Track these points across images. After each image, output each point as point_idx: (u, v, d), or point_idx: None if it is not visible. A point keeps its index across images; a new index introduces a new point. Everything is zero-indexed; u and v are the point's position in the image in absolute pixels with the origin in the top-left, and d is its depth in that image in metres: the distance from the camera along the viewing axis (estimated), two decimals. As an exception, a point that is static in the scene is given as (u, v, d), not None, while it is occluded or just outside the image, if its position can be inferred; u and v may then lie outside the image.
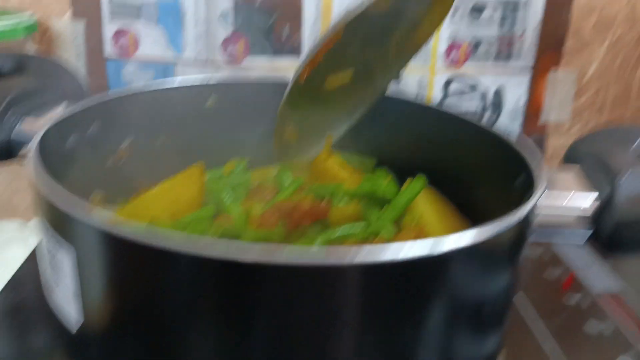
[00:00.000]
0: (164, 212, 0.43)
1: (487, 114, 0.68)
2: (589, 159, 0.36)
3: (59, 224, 0.28)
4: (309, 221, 0.45)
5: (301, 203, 0.46)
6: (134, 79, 0.64)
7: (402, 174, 0.50)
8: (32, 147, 0.32)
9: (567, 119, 0.70)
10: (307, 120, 0.40)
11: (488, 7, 0.63)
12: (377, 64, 0.40)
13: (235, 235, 0.42)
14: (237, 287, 0.25)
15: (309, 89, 0.38)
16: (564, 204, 0.34)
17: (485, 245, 0.28)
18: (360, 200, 0.45)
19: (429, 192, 0.46)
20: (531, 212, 0.30)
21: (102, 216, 0.25)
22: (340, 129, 0.44)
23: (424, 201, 0.44)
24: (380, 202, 0.46)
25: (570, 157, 0.38)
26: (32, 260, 0.53)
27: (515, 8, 0.64)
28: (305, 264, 0.25)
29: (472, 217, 0.45)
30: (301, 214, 0.45)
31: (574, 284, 0.53)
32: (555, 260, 0.57)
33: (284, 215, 0.46)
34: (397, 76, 0.42)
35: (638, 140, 0.38)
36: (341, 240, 0.43)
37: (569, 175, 0.35)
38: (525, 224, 0.30)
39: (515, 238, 0.30)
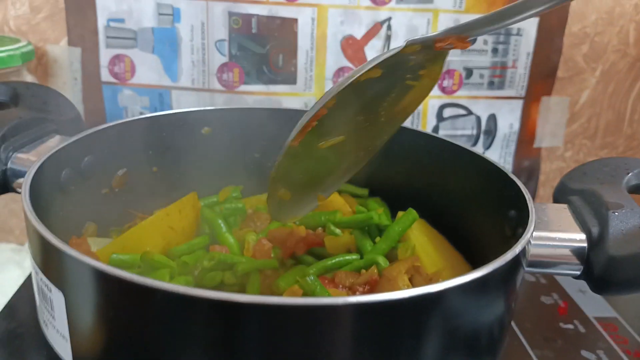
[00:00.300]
0: (158, 243, 0.43)
1: (481, 139, 0.68)
2: (579, 194, 0.37)
3: (50, 268, 0.28)
4: (303, 249, 0.45)
5: (296, 230, 0.46)
6: (130, 103, 0.64)
7: (395, 203, 0.51)
8: (24, 186, 0.32)
9: (560, 145, 0.71)
10: (300, 180, 0.42)
11: (480, 36, 0.64)
12: (369, 129, 0.41)
13: (229, 265, 0.42)
14: (228, 327, 0.25)
15: (301, 152, 0.39)
16: (557, 238, 0.34)
17: (480, 283, 0.28)
18: (353, 230, 0.46)
19: (421, 223, 0.46)
20: (523, 248, 0.30)
21: (91, 260, 0.25)
22: (332, 188, 0.45)
23: (417, 232, 0.44)
24: (373, 231, 0.46)
25: (562, 191, 0.38)
26: (27, 285, 0.53)
27: (507, 37, 0.64)
28: (296, 303, 0.25)
29: (463, 244, 0.46)
30: (295, 241, 0.45)
31: (570, 309, 0.53)
32: (551, 285, 0.57)
33: (278, 243, 0.46)
34: (387, 139, 0.43)
35: (628, 175, 0.38)
36: (335, 269, 0.43)
37: (560, 214, 0.35)
38: (517, 261, 0.30)
39: (509, 274, 0.30)
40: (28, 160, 0.39)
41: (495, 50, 0.65)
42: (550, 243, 0.34)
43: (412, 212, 0.43)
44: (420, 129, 0.66)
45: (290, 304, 0.25)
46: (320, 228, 0.47)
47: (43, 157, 0.37)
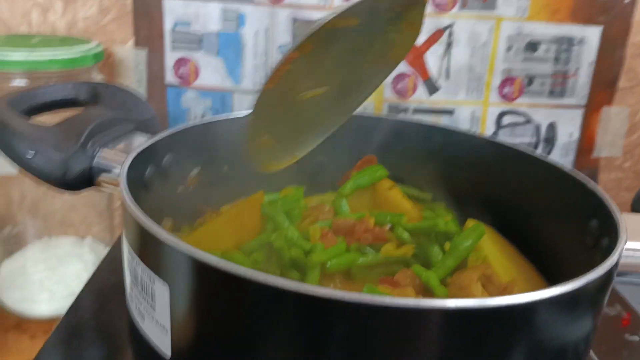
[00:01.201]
0: (230, 240, 0.44)
1: (541, 147, 0.68)
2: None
3: (154, 259, 0.29)
4: (368, 240, 0.45)
5: (365, 220, 0.46)
6: (193, 105, 0.66)
7: (461, 209, 0.51)
8: (121, 180, 0.33)
9: (619, 155, 0.70)
10: (282, 128, 0.42)
11: (543, 44, 0.64)
12: (352, 82, 0.41)
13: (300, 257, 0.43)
14: (315, 322, 0.26)
15: (281, 99, 0.39)
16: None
17: (572, 296, 0.28)
18: (420, 236, 0.46)
19: (491, 231, 0.46)
20: (617, 262, 0.30)
21: (198, 252, 0.26)
22: (314, 142, 0.45)
23: (487, 241, 0.44)
24: (440, 238, 0.46)
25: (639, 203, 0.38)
26: (92, 282, 0.54)
27: (569, 46, 0.64)
28: (387, 304, 0.25)
29: (534, 254, 0.45)
30: (363, 230, 0.45)
31: (634, 321, 0.52)
32: (613, 297, 0.56)
33: (343, 232, 0.46)
34: (370, 94, 0.43)
35: None
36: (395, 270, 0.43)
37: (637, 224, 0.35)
38: (610, 274, 0.30)
39: (600, 287, 0.30)
40: (113, 158, 0.40)
41: (557, 59, 0.64)
42: (636, 254, 0.33)
43: (480, 227, 0.43)
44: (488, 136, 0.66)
45: (379, 304, 0.25)
46: (387, 226, 0.47)
47: (133, 153, 0.38)
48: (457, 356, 0.27)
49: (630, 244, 0.34)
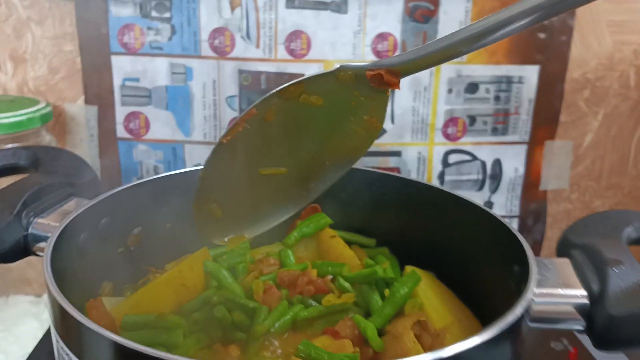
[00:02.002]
0: (171, 300, 0.45)
1: (487, 184, 0.69)
2: (580, 248, 0.38)
3: (75, 343, 0.29)
4: (311, 292, 0.46)
5: (308, 272, 0.47)
6: (145, 157, 0.67)
7: (403, 253, 0.52)
8: (45, 257, 0.34)
9: (566, 187, 0.72)
10: (232, 200, 0.41)
11: (482, 84, 0.66)
12: (310, 170, 0.41)
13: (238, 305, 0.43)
14: None
15: (236, 164, 0.39)
16: (560, 295, 0.35)
17: (485, 346, 0.29)
18: (360, 285, 0.47)
19: (428, 277, 0.47)
20: (526, 308, 0.31)
21: (112, 335, 0.27)
22: (265, 225, 0.44)
23: (424, 287, 0.45)
24: (380, 284, 0.47)
25: (564, 245, 0.39)
26: (45, 340, 0.54)
27: (509, 85, 0.66)
28: None
29: (471, 297, 0.47)
30: (306, 283, 0.46)
31: (580, 355, 0.53)
32: (560, 331, 0.57)
33: (287, 284, 0.47)
34: (326, 187, 0.43)
35: (628, 229, 0.39)
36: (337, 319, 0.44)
37: (562, 269, 0.36)
38: (520, 321, 0.31)
39: (513, 334, 0.31)
40: (48, 225, 0.41)
41: (497, 98, 0.67)
42: (553, 300, 0.34)
43: (415, 274, 0.44)
44: (425, 178, 0.68)
45: None
46: (329, 277, 0.48)
47: (63, 223, 0.38)
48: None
49: (548, 290, 0.35)
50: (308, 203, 0.43)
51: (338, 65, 0.35)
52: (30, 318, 0.64)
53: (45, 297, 0.68)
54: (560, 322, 0.35)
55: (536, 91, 0.67)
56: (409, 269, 0.47)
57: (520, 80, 0.66)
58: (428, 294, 0.45)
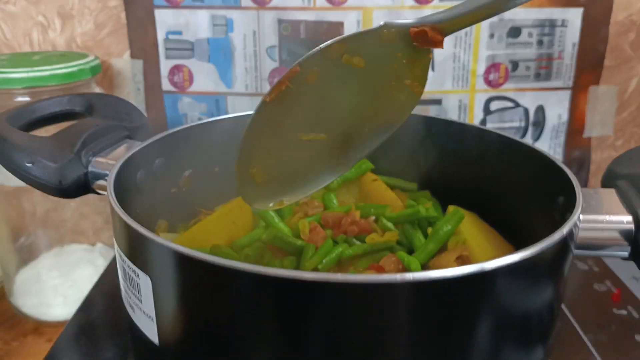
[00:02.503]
0: (222, 236, 0.47)
1: (530, 131, 0.69)
2: (626, 178, 0.38)
3: (137, 255, 0.31)
4: (354, 232, 0.47)
5: (352, 212, 0.48)
6: (190, 110, 0.68)
7: (445, 196, 0.53)
8: (108, 185, 0.36)
9: (610, 134, 0.71)
10: (273, 165, 0.41)
11: (525, 28, 0.65)
12: (350, 137, 0.41)
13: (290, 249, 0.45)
14: (296, 304, 0.28)
15: (278, 128, 0.39)
16: (605, 221, 0.35)
17: (529, 263, 0.30)
18: (403, 224, 0.48)
19: (471, 216, 0.47)
20: (571, 230, 0.32)
21: (175, 245, 0.28)
22: (304, 192, 0.43)
23: (467, 225, 0.45)
24: (423, 224, 0.48)
25: (609, 177, 0.39)
26: (101, 283, 0.58)
27: (552, 29, 0.65)
28: (359, 281, 0.27)
29: (514, 236, 0.47)
30: (350, 223, 0.47)
31: (624, 296, 0.54)
32: (604, 272, 0.57)
33: (331, 225, 0.48)
34: (366, 154, 0.42)
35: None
36: (381, 256, 0.45)
37: (607, 198, 0.36)
38: (565, 242, 0.31)
39: (558, 255, 0.32)
40: (106, 164, 0.43)
41: (540, 42, 0.66)
42: (599, 226, 0.35)
43: (459, 212, 0.45)
44: (467, 122, 0.67)
45: (350, 281, 0.27)
46: (372, 218, 0.49)
47: (121, 160, 0.40)
48: (426, 328, 0.29)
49: (594, 217, 0.36)
50: (346, 170, 0.43)
51: (382, 23, 0.35)
52: (85, 264, 0.68)
53: (99, 245, 0.72)
54: (606, 248, 0.35)
55: (580, 35, 0.66)
56: (451, 208, 0.47)
57: (564, 24, 0.65)
58: (471, 231, 0.45)
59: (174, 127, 0.69)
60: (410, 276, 0.27)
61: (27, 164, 0.39)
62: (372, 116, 0.41)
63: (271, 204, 0.43)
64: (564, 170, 0.39)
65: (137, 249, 0.31)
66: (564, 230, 0.31)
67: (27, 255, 0.68)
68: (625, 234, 0.35)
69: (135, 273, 0.31)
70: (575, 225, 0.32)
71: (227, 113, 0.68)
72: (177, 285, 0.29)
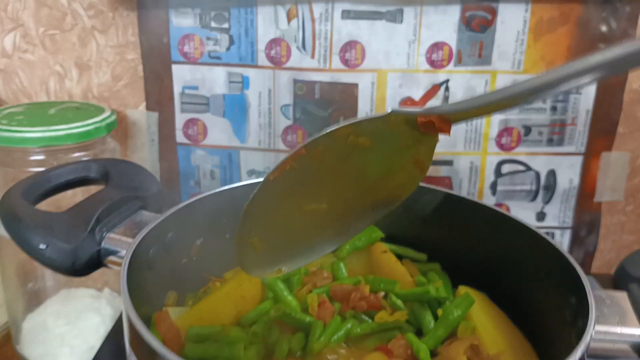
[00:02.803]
0: (231, 311, 0.47)
1: (541, 194, 0.69)
2: (637, 283, 0.37)
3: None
4: (363, 308, 0.48)
5: (361, 287, 0.48)
6: (202, 162, 0.69)
7: (455, 271, 0.52)
8: (122, 280, 0.36)
9: (621, 199, 0.70)
10: (273, 235, 0.41)
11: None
12: (352, 209, 0.41)
13: (297, 327, 0.45)
14: None
15: (280, 200, 0.39)
16: (616, 333, 0.35)
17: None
18: (412, 303, 0.48)
19: (482, 299, 0.47)
20: (585, 349, 0.31)
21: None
22: (301, 261, 0.44)
23: (478, 310, 0.45)
24: (433, 303, 0.48)
25: (622, 277, 0.39)
26: (109, 339, 0.58)
27: (566, 95, 0.65)
28: None
29: (522, 319, 0.47)
30: (359, 298, 0.47)
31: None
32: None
33: (340, 298, 0.48)
34: (366, 226, 0.43)
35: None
36: (389, 336, 0.45)
37: (619, 304, 0.36)
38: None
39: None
40: (119, 241, 0.43)
41: (554, 109, 0.66)
42: (611, 337, 0.35)
43: (469, 297, 0.45)
44: (477, 188, 0.68)
45: None
46: (381, 293, 0.49)
47: (136, 240, 0.40)
48: None
49: (605, 328, 0.36)
50: (347, 240, 0.43)
51: (389, 110, 0.36)
52: (92, 313, 0.68)
53: (106, 291, 0.72)
54: (621, 355, 0.35)
55: (594, 102, 0.66)
56: (462, 289, 0.47)
57: (578, 91, 0.65)
58: (481, 317, 0.45)
59: (186, 178, 0.70)
60: None
61: (42, 247, 0.39)
62: (375, 191, 0.41)
63: (269, 272, 0.43)
64: (577, 272, 0.39)
65: (147, 358, 0.31)
66: (577, 354, 0.31)
67: (34, 299, 0.68)
68: (636, 347, 0.34)
69: (145, 378, 0.32)
70: (589, 343, 0.32)
71: (239, 166, 0.69)
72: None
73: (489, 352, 0.42)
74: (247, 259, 0.42)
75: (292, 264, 0.44)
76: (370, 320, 0.47)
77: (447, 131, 0.34)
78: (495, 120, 0.66)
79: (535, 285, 0.45)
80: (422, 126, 0.35)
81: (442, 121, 0.34)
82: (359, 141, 0.37)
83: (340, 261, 0.53)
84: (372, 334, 0.46)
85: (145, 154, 0.69)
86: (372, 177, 0.40)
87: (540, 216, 0.69)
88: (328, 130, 0.36)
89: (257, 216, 0.40)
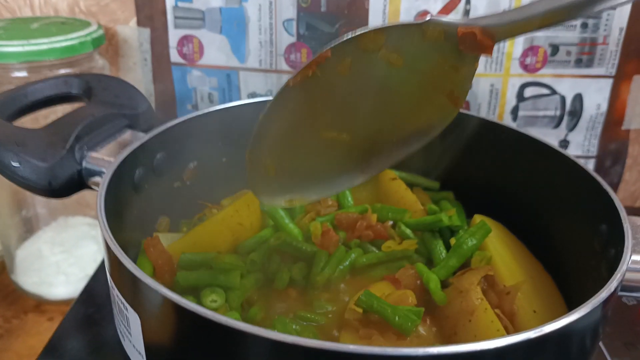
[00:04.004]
0: (227, 239, 0.43)
1: (565, 121, 0.64)
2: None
3: (127, 291, 0.28)
4: (369, 237, 0.44)
5: (367, 216, 0.45)
6: (199, 84, 0.64)
7: (470, 199, 0.48)
8: (99, 198, 0.32)
9: (652, 127, 0.65)
10: (288, 160, 0.38)
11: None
12: (376, 142, 0.37)
13: (297, 257, 0.42)
14: None
15: (298, 120, 0.36)
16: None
17: (571, 325, 0.26)
18: (423, 232, 0.44)
19: (499, 229, 0.43)
20: (619, 283, 0.28)
21: (168, 292, 0.25)
22: (317, 194, 0.40)
23: (495, 240, 0.42)
24: (445, 232, 0.44)
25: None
26: (104, 268, 0.55)
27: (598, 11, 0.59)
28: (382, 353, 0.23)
29: (542, 248, 0.43)
30: (365, 227, 0.44)
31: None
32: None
33: (345, 227, 0.45)
34: (391, 164, 0.38)
35: None
36: (398, 266, 0.42)
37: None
38: (613, 296, 0.28)
39: (604, 309, 0.28)
40: (102, 160, 0.39)
41: (584, 25, 0.60)
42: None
43: (485, 226, 0.41)
44: (496, 113, 0.63)
45: (362, 353, 0.23)
46: (389, 222, 0.46)
47: (118, 159, 0.37)
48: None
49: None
50: (364, 180, 0.39)
51: (428, 17, 0.31)
52: (89, 240, 0.65)
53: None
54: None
55: (628, 19, 0.59)
56: (477, 218, 0.44)
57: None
58: (498, 247, 0.42)
59: (182, 102, 0.65)
60: (435, 350, 0.23)
61: (14, 164, 0.36)
62: (403, 124, 0.37)
63: (281, 201, 0.40)
64: (611, 197, 0.34)
65: (127, 285, 0.28)
66: (613, 285, 0.27)
67: (28, 228, 0.65)
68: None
69: (124, 306, 0.28)
70: (624, 273, 0.28)
71: (238, 89, 0.64)
72: (169, 331, 0.26)
73: (505, 283, 0.38)
74: (259, 182, 0.38)
75: (305, 196, 0.40)
76: (376, 251, 0.44)
77: (489, 49, 0.31)
78: (520, 38, 0.60)
79: (559, 214, 0.41)
80: (463, 40, 0.31)
81: (485, 35, 0.30)
82: (390, 58, 0.33)
83: (347, 191, 0.49)
84: (379, 264, 0.43)
85: (138, 75, 0.64)
86: (400, 107, 0.36)
87: (563, 144, 0.64)
88: (357, 34, 0.32)
89: (273, 131, 0.36)
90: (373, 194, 0.50)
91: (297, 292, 0.41)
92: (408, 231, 0.44)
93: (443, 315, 0.37)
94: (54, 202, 0.67)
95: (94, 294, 0.52)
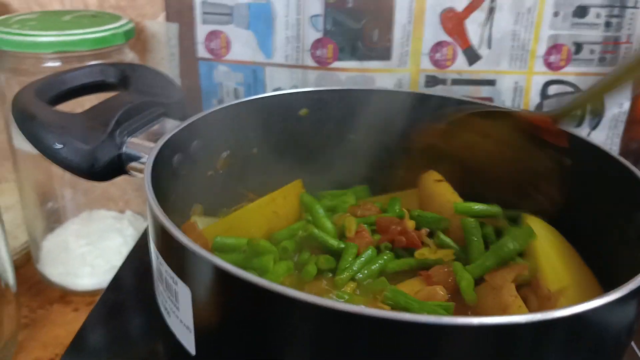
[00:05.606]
0: (262, 226, 0.44)
1: (587, 119, 0.64)
2: None
3: (177, 263, 0.28)
4: (403, 243, 0.43)
5: (404, 222, 0.44)
6: (225, 79, 0.65)
7: (511, 193, 0.48)
8: (146, 180, 0.33)
9: (674, 126, 0.65)
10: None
11: (592, 8, 0.59)
12: None
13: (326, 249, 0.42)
14: (339, 335, 0.25)
15: None
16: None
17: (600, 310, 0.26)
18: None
19: (549, 230, 0.42)
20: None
21: (220, 261, 0.25)
22: None
23: (544, 243, 0.41)
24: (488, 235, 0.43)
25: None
26: (132, 258, 0.56)
27: (622, 10, 0.59)
28: (430, 322, 0.24)
29: (583, 244, 0.43)
30: (399, 232, 0.43)
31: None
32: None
33: (380, 229, 0.44)
34: None
35: None
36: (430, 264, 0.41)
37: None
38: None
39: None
40: (141, 145, 0.40)
41: (608, 24, 0.60)
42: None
43: (531, 231, 0.40)
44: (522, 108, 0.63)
45: (403, 320, 0.24)
46: (426, 230, 0.44)
47: (159, 144, 0.37)
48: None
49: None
50: None
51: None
52: (114, 233, 0.66)
53: (128, 213, 0.70)
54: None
55: (653, 18, 0.60)
56: (527, 220, 0.43)
57: (636, 5, 0.59)
58: (547, 250, 0.40)
59: (208, 96, 0.66)
60: (476, 321, 0.23)
61: (57, 146, 0.36)
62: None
63: None
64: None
65: (177, 257, 0.28)
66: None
67: (54, 219, 0.66)
68: None
69: (173, 280, 0.29)
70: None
71: (264, 85, 0.64)
72: (221, 303, 0.27)
73: (550, 288, 0.37)
74: None
75: None
76: (408, 257, 0.42)
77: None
78: (544, 36, 0.61)
79: (595, 204, 0.41)
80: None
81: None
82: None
83: (397, 198, 0.48)
84: (409, 272, 0.41)
85: (165, 70, 0.65)
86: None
87: (586, 142, 0.65)
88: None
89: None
90: (414, 197, 0.49)
91: (326, 284, 0.40)
92: (448, 240, 0.43)
93: (475, 312, 0.37)
94: (80, 195, 0.68)
95: (121, 286, 0.52)
